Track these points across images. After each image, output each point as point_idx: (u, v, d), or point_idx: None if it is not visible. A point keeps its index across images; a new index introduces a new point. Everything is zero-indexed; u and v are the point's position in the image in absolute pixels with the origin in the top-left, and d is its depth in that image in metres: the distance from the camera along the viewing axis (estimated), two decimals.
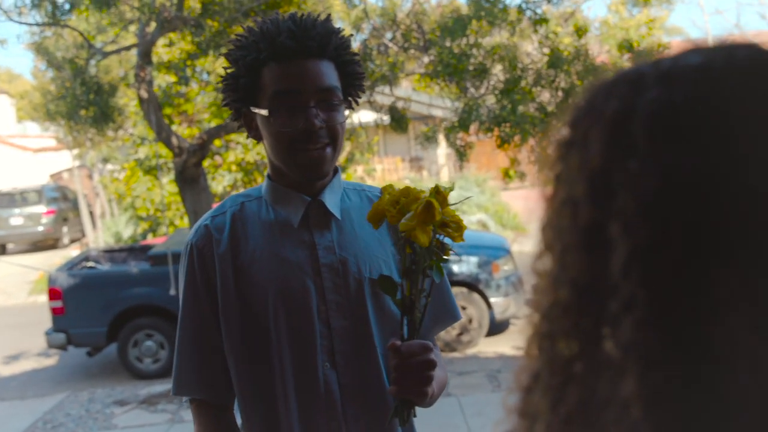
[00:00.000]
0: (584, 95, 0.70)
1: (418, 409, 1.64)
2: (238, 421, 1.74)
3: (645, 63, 0.68)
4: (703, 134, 0.60)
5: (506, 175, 7.79)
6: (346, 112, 1.69)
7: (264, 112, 1.61)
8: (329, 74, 1.62)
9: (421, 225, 1.43)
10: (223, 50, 7.06)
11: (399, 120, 7.64)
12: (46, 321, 8.83)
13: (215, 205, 1.82)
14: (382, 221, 1.52)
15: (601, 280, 0.63)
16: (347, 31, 1.78)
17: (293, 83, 1.59)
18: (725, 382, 0.58)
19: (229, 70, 1.68)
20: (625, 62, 7.51)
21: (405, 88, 11.36)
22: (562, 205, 0.68)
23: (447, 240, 1.51)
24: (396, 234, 1.51)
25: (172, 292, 7.84)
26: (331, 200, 1.70)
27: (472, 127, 6.97)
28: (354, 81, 1.70)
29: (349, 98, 1.71)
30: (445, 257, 1.51)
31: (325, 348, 1.64)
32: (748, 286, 0.58)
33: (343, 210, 1.73)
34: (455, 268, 8.08)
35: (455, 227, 1.49)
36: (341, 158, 14.14)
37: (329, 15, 1.69)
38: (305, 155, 1.61)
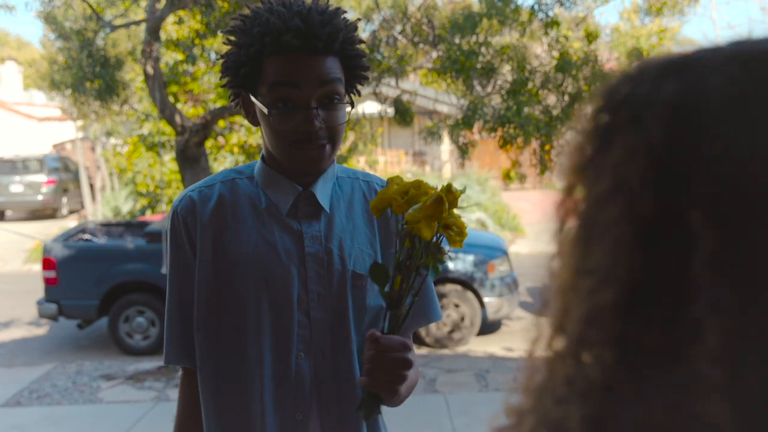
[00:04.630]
0: (620, 81, 0.63)
1: (404, 405, 1.63)
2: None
3: (696, 50, 0.61)
4: None
5: (507, 176, 7.79)
6: (348, 109, 1.65)
7: (264, 109, 1.57)
8: (333, 69, 1.59)
9: (427, 219, 1.41)
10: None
11: (403, 113, 7.63)
12: (39, 290, 8.84)
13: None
14: (386, 210, 1.49)
15: (664, 279, 0.56)
16: (355, 17, 1.74)
17: (294, 78, 1.55)
18: None
19: (231, 53, 1.64)
20: None
21: (412, 81, 11.33)
22: (607, 195, 0.59)
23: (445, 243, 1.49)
24: (397, 226, 1.48)
25: (164, 270, 7.83)
26: (322, 191, 1.68)
27: (476, 126, 6.96)
28: (357, 74, 1.67)
29: (352, 91, 1.68)
30: (440, 258, 1.49)
31: (302, 337, 1.64)
32: None
33: (333, 201, 1.71)
34: (451, 265, 8.08)
35: (457, 231, 1.47)
36: (343, 148, 14.12)
37: (338, 8, 1.64)
38: (304, 152, 1.59)
